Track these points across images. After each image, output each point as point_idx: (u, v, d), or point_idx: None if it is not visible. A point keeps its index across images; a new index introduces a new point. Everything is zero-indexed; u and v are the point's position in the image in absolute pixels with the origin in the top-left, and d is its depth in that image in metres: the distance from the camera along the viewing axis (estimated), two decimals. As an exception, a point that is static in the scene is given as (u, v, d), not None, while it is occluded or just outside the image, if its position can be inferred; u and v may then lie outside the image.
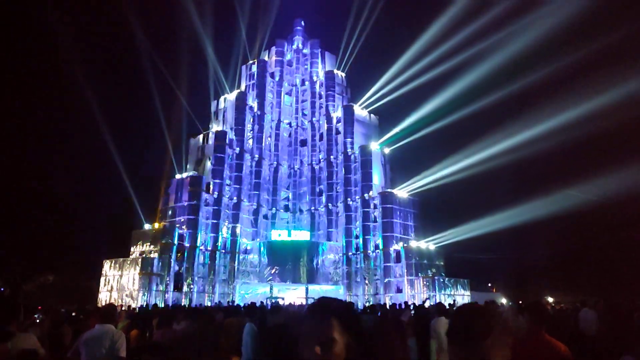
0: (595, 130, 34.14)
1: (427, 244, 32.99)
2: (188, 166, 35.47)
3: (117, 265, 29.83)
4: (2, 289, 37.54)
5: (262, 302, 21.24)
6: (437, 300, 27.56)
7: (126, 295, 28.36)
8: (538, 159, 40.53)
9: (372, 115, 40.16)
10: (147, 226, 31.51)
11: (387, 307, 18.67)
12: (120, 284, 29.13)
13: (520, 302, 20.37)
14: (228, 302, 28.65)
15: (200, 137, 36.75)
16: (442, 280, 30.94)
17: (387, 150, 37.38)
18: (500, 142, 34.02)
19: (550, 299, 42.61)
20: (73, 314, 13.43)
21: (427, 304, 21.10)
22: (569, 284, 42.86)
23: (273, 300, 27.91)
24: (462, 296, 30.66)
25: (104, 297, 29.29)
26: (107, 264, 30.37)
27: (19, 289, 36.75)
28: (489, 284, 50.60)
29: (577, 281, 41.57)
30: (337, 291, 33.86)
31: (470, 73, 36.02)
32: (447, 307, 13.96)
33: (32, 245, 39.55)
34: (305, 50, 44.04)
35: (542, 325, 3.89)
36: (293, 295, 31.68)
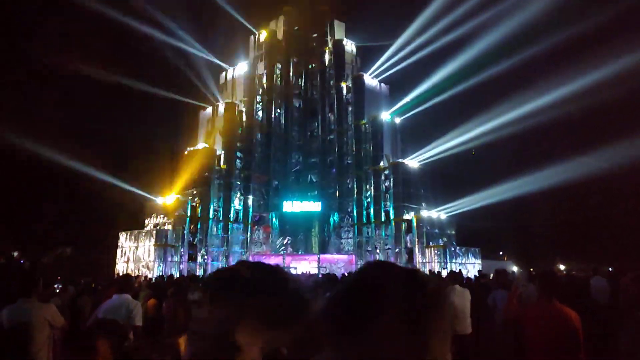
0: (610, 96, 33.35)
1: (439, 214, 32.99)
2: (199, 139, 35.55)
3: (133, 237, 30.47)
4: (22, 262, 38.61)
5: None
6: (450, 269, 27.81)
7: (142, 266, 29.04)
8: (551, 126, 39.81)
9: (382, 84, 39.56)
10: (159, 199, 31.92)
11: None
12: (136, 256, 29.82)
13: (532, 269, 20.40)
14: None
15: (210, 109, 36.67)
16: (453, 249, 31.07)
17: (398, 120, 36.97)
18: (512, 109, 33.44)
19: (562, 267, 42.72)
20: (92, 285, 13.81)
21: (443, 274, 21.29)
22: (581, 252, 42.79)
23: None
24: (473, 264, 30.83)
25: (120, 269, 30.02)
26: (122, 236, 31.05)
27: (38, 262, 37.75)
28: (500, 253, 50.75)
29: (589, 249, 41.47)
30: (348, 261, 34.25)
31: (484, 39, 35.10)
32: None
33: (50, 220, 40.41)
34: (314, 19, 43.10)
35: (552, 294, 3.88)
36: (305, 265, 32.13)
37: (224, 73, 38.89)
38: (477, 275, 16.85)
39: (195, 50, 36.90)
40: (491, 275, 13.56)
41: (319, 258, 32.51)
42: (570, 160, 35.93)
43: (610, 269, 13.99)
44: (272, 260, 32.75)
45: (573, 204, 44.08)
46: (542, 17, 35.59)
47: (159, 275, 24.40)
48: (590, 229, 43.11)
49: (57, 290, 10.07)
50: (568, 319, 3.75)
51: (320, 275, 20.52)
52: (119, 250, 30.92)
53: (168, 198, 31.74)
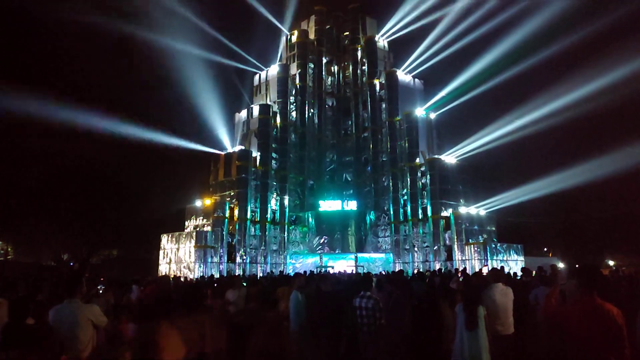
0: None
1: (478, 210, 32.25)
2: (235, 141, 36.18)
3: (174, 239, 31.37)
4: (71, 263, 40.50)
5: (312, 271, 21.69)
6: (491, 267, 27.14)
7: (184, 267, 29.85)
8: (597, 115, 38.04)
9: (416, 80, 39.01)
10: (198, 202, 32.74)
11: (436, 274, 18.60)
12: (177, 257, 30.69)
13: (577, 265, 19.64)
14: (280, 271, 29.54)
15: (245, 111, 37.24)
16: (493, 245, 30.28)
17: (433, 116, 36.37)
18: (553, 101, 32.17)
19: (611, 262, 40.90)
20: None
21: (484, 271, 20.80)
22: (630, 247, 40.79)
23: (323, 269, 28.46)
24: (516, 261, 29.94)
25: (163, 269, 31.00)
26: (164, 238, 32.02)
27: (86, 263, 39.49)
28: (545, 249, 49.13)
29: (639, 244, 39.45)
30: (386, 259, 34.03)
31: (521, 29, 33.96)
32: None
33: (97, 223, 42.13)
34: (345, 17, 43.02)
35: (592, 289, 3.71)
36: (343, 264, 32.13)
37: (257, 75, 39.39)
38: (521, 272, 16.32)
39: (227, 54, 37.55)
40: (534, 272, 13.16)
41: (356, 257, 32.45)
42: (619, 151, 34.24)
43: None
44: (310, 260, 32.99)
45: (621, 197, 42.07)
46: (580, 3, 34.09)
47: (201, 276, 25.05)
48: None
49: (100, 291, 10.49)
50: (610, 315, 3.58)
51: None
52: (161, 252, 31.91)
53: (207, 200, 32.52)
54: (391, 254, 34.31)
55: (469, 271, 23.19)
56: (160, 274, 29.55)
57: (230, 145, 35.10)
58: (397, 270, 22.31)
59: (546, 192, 33.30)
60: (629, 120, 43.31)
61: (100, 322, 4.92)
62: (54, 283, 10.79)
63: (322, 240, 34.26)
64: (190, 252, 29.96)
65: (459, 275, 14.32)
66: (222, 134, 35.29)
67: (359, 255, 32.94)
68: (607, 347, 3.54)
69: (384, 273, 17.87)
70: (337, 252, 33.71)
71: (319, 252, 33.67)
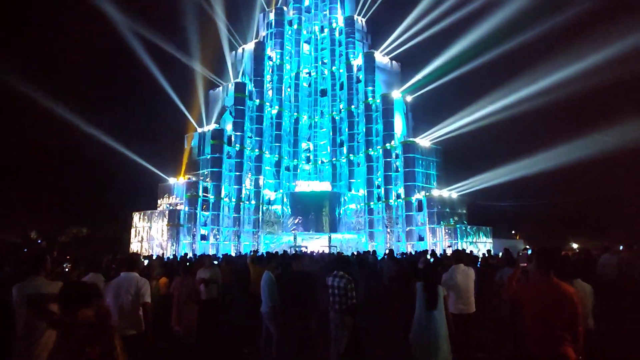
0: (626, 73, 32.44)
1: (450, 193, 32.86)
2: (209, 119, 35.59)
3: (146, 218, 30.94)
4: (40, 241, 39.57)
5: (285, 251, 21.82)
6: (460, 248, 27.82)
7: (156, 246, 29.56)
8: (562, 103, 38.98)
9: (393, 62, 39.04)
10: (172, 180, 32.25)
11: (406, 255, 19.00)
12: (150, 235, 30.33)
13: (544, 247, 20.31)
14: (253, 251, 29.56)
15: (220, 89, 36.61)
16: (464, 228, 31.01)
17: (409, 98, 36.56)
18: (524, 87, 32.70)
19: (575, 245, 42.49)
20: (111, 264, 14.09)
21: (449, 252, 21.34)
22: (593, 230, 42.45)
23: (297, 249, 28.68)
24: (485, 243, 30.77)
25: (135, 248, 30.62)
26: (136, 216, 31.53)
27: (54, 241, 38.67)
28: (513, 231, 50.60)
29: (601, 227, 41.09)
30: (359, 239, 34.48)
31: (496, 14, 34.20)
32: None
33: (66, 200, 41.19)
34: (323, -4, 42.42)
35: (549, 269, 3.91)
36: (316, 244, 32.40)
37: (233, 52, 38.60)
38: (485, 254, 16.84)
39: (203, 29, 36.62)
40: (500, 254, 13.60)
41: (329, 237, 32.76)
42: (583, 138, 35.28)
43: (621, 247, 13.92)
44: (284, 239, 33.15)
45: (586, 182, 43.51)
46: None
47: (173, 255, 24.87)
48: (603, 207, 42.63)
49: (67, 270, 10.31)
50: (565, 294, 3.79)
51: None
52: (132, 230, 31.46)
53: (180, 179, 32.07)
54: (364, 235, 34.77)
55: (439, 252, 23.73)
56: (135, 251, 29.18)
57: (205, 122, 34.55)
58: (366, 250, 22.64)
59: (515, 177, 34.14)
60: (596, 107, 44.55)
61: None
62: (17, 260, 10.55)
63: (296, 221, 34.39)
64: (162, 230, 29.66)
65: (427, 255, 14.66)
66: (197, 110, 34.66)
67: (333, 235, 33.26)
68: (563, 324, 3.74)
69: (355, 253, 18.12)
70: (311, 232, 33.94)
71: (293, 232, 33.83)
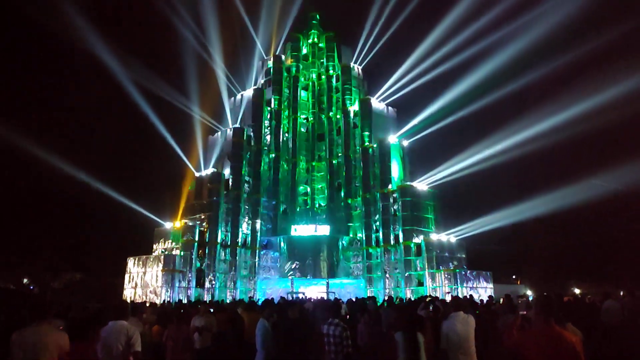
0: (623, 116, 33.14)
1: (448, 237, 32.65)
2: (207, 164, 35.78)
3: (141, 263, 30.47)
4: (32, 287, 38.77)
5: (281, 297, 21.34)
6: (460, 294, 27.31)
7: (150, 292, 28.94)
8: (561, 148, 39.55)
9: (389, 107, 39.82)
10: (168, 224, 32.02)
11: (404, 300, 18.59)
12: (144, 281, 29.77)
13: (545, 294, 19.98)
14: (249, 297, 28.95)
15: (218, 134, 37.06)
16: (463, 273, 30.59)
17: (405, 143, 37.02)
18: (522, 131, 33.33)
19: (577, 291, 41.82)
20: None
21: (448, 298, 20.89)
22: (596, 275, 41.91)
23: (294, 295, 28.07)
24: (485, 288, 30.27)
25: (128, 294, 29.98)
26: (130, 262, 31.07)
27: (47, 287, 37.89)
28: (514, 276, 49.95)
29: (604, 272, 40.61)
30: (357, 285, 33.88)
31: (492, 61, 35.31)
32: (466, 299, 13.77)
33: (59, 245, 40.70)
34: (321, 44, 43.77)
35: (549, 317, 3.81)
36: (314, 289, 31.78)
37: (231, 99, 39.36)
38: (487, 300, 16.48)
39: (202, 77, 37.54)
40: (501, 300, 13.31)
41: (327, 282, 32.17)
42: (584, 182, 35.54)
43: (621, 293, 13.74)
44: (281, 285, 32.54)
45: (588, 225, 43.41)
46: (552, 35, 35.82)
47: (167, 301, 24.28)
48: (605, 251, 42.29)
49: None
50: (568, 343, 3.68)
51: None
52: (127, 276, 30.90)
53: (176, 223, 31.84)
54: (362, 280, 34.21)
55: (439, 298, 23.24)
56: (126, 299, 28.51)
57: (202, 167, 34.73)
58: (364, 297, 22.17)
59: (515, 220, 34.12)
60: (597, 150, 45.14)
61: (64, 347, 4.81)
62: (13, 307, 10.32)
63: (293, 266, 33.92)
64: (157, 276, 29.11)
65: (427, 302, 14.32)
66: (195, 155, 34.95)
67: (331, 280, 32.68)
68: None
69: (353, 300, 17.73)
70: (308, 277, 33.39)
71: (290, 277, 33.27)
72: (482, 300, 16.05)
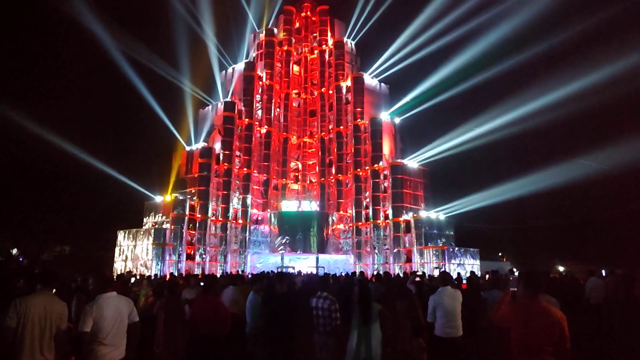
0: (610, 97, 33.25)
1: (437, 214, 32.96)
2: (198, 138, 35.51)
3: (131, 236, 30.49)
4: (21, 259, 38.66)
5: (270, 271, 21.56)
6: (447, 270, 27.75)
7: (140, 265, 29.06)
8: (550, 127, 39.76)
9: (382, 84, 39.54)
10: (158, 198, 31.92)
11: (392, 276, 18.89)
12: (134, 254, 29.84)
13: (530, 269, 20.40)
14: (238, 271, 29.23)
15: (209, 108, 36.67)
16: (451, 249, 31.04)
17: (397, 120, 36.94)
18: (512, 110, 33.33)
19: (561, 268, 42.75)
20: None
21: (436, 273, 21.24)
22: (579, 253, 42.81)
23: (284, 269, 28.37)
24: (472, 265, 30.81)
25: (119, 267, 30.07)
26: (121, 235, 31.06)
27: (37, 259, 37.81)
28: (499, 254, 50.80)
29: (587, 251, 41.48)
30: (346, 260, 34.29)
31: (484, 38, 34.99)
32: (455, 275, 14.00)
33: (49, 218, 40.46)
34: (314, 18, 43.11)
35: (536, 292, 3.92)
36: (304, 264, 32.11)
37: (223, 72, 38.80)
38: (469, 276, 16.78)
39: (193, 50, 36.86)
40: (487, 276, 13.59)
41: (317, 258, 32.52)
42: (570, 162, 35.91)
43: (603, 272, 14.12)
44: (271, 260, 32.83)
45: (572, 205, 44.09)
46: (543, 15, 35.50)
47: (161, 275, 24.42)
48: (589, 230, 43.11)
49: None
50: (552, 313, 3.82)
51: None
52: (117, 249, 30.93)
53: (167, 197, 31.75)
54: (351, 256, 34.60)
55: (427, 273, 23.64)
56: (115, 272, 28.59)
57: (193, 141, 34.46)
58: (354, 272, 22.48)
59: (502, 199, 34.46)
60: (582, 131, 45.45)
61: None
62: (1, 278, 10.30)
63: (283, 241, 34.15)
64: (147, 249, 29.19)
65: (416, 277, 14.58)
66: (186, 129, 34.63)
67: (320, 256, 33.03)
68: (551, 341, 3.77)
69: (344, 274, 17.99)
70: (298, 252, 33.69)
71: (281, 252, 33.55)
72: (468, 276, 16.32)
